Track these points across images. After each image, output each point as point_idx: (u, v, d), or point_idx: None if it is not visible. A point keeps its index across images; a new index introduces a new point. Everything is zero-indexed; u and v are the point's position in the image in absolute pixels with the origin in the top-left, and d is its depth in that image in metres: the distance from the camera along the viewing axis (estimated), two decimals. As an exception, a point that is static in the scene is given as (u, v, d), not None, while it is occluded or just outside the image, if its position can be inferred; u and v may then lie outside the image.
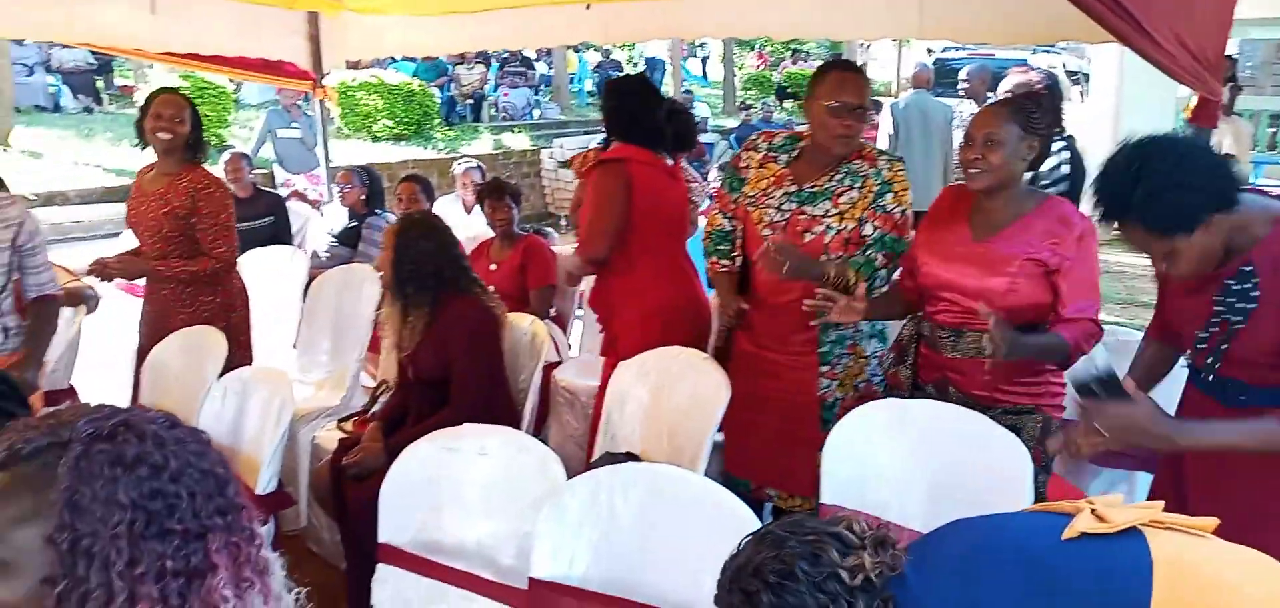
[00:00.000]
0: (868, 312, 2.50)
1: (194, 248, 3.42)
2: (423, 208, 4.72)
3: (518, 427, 2.92)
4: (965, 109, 7.36)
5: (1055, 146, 3.51)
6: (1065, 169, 3.51)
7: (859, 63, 26.33)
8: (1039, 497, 2.41)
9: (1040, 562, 1.34)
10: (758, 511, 3.29)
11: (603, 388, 3.11)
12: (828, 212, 2.65)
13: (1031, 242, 2.32)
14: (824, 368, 2.73)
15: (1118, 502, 1.39)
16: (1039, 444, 2.38)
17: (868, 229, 2.64)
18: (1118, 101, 8.80)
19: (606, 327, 3.31)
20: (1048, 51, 13.77)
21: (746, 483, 2.89)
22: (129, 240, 3.67)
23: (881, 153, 2.73)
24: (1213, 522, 1.35)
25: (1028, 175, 2.42)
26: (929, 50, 14.47)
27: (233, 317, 3.58)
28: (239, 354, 3.61)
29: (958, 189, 2.54)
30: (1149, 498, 2.25)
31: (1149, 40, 2.20)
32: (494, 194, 4.43)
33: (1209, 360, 1.99)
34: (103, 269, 3.46)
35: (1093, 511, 1.35)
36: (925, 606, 1.33)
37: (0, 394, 1.56)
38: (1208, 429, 1.92)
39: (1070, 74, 12.79)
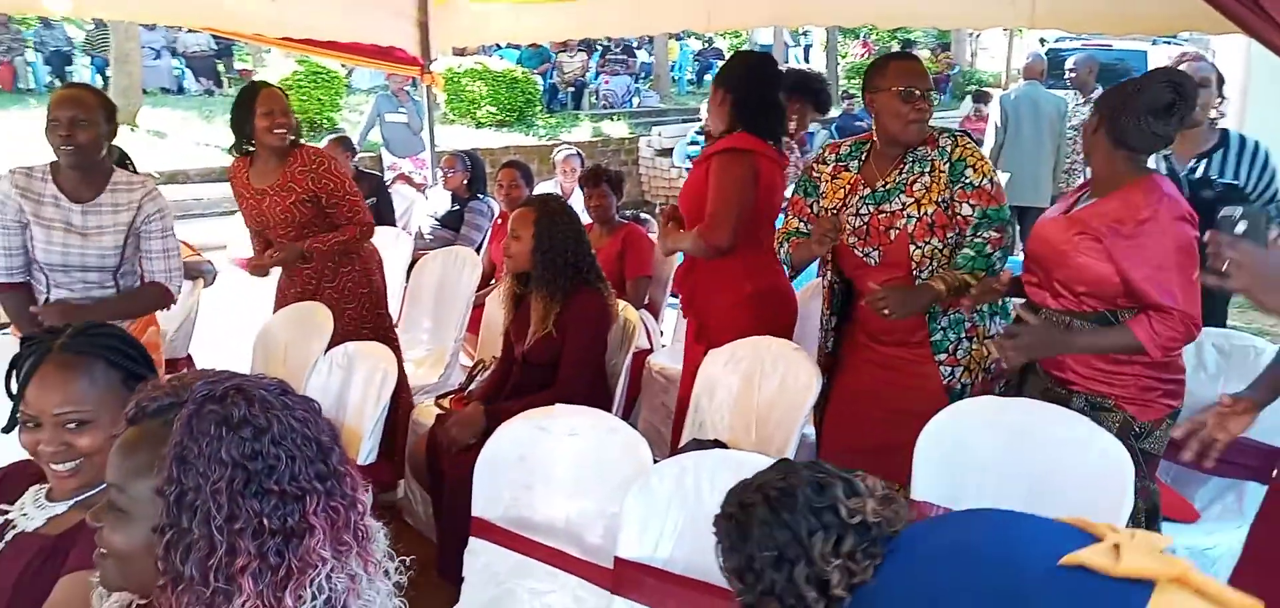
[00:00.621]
0: (1010, 289, 2.56)
1: (328, 225, 3.51)
2: (524, 193, 4.80)
3: (609, 410, 2.96)
4: (1072, 99, 7.16)
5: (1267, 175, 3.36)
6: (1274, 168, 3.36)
7: (967, 53, 25.33)
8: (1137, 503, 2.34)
9: (1020, 580, 1.28)
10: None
11: (687, 375, 3.13)
12: (905, 204, 2.64)
13: (1096, 214, 2.30)
14: (940, 356, 2.69)
15: (1154, 547, 1.29)
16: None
17: (966, 210, 2.60)
18: (1243, 96, 8.33)
19: (696, 311, 3.24)
20: (1168, 43, 13.14)
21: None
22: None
23: (942, 131, 2.70)
24: (1256, 605, 1.23)
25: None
26: (1042, 40, 14.00)
27: (373, 282, 3.72)
28: (386, 323, 3.78)
29: None
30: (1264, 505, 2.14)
31: (1278, 30, 2.09)
32: (591, 181, 4.48)
33: None
34: (262, 270, 3.53)
35: (1116, 545, 1.28)
36: (904, 574, 1.34)
37: (131, 359, 1.65)
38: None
39: (1195, 68, 12.15)
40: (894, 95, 2.59)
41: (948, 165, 2.62)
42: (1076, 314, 2.38)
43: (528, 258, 3.07)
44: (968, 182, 2.60)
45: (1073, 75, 7.08)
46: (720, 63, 4.05)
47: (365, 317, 3.61)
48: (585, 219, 4.53)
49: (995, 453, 2.21)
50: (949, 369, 2.69)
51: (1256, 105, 8.08)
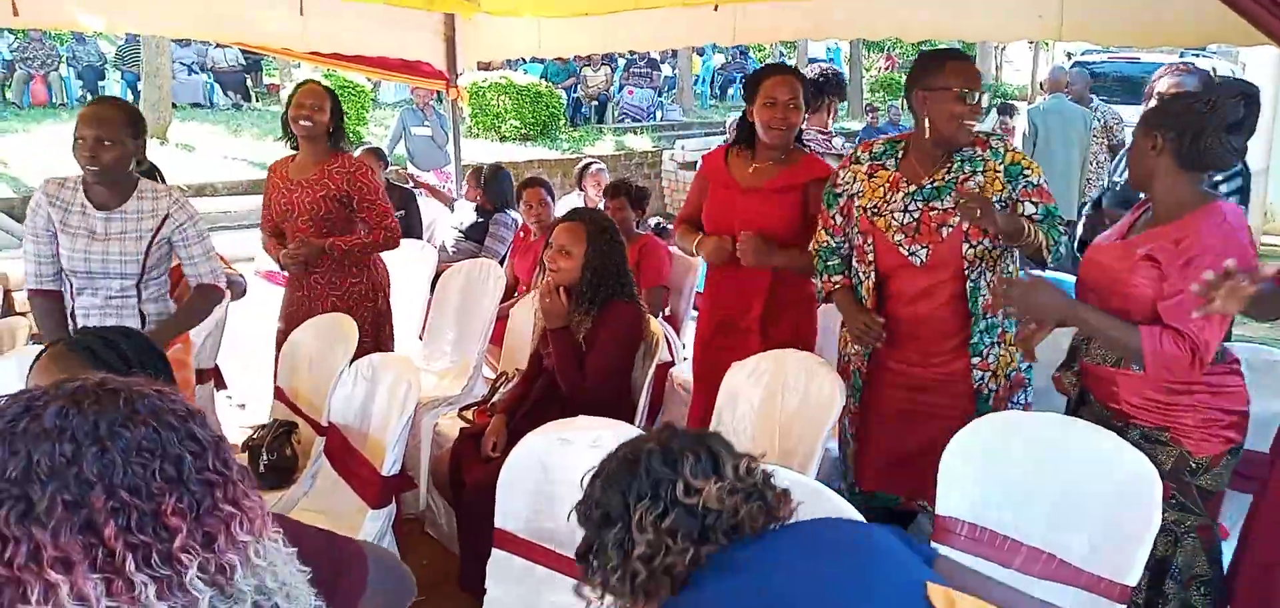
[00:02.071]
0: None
1: (347, 229, 3.60)
2: (552, 211, 4.81)
3: (633, 422, 2.96)
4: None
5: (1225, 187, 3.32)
6: (1238, 181, 3.34)
7: (992, 66, 25.27)
8: (1176, 536, 2.30)
9: None
10: (907, 523, 3.22)
11: (711, 388, 3.12)
12: (959, 201, 2.58)
13: (1159, 239, 2.23)
14: (975, 360, 2.67)
15: None
16: (1171, 479, 2.24)
17: (1029, 209, 2.60)
18: (1274, 107, 8.26)
19: (780, 325, 3.13)
20: (1197, 55, 13.03)
21: (894, 498, 2.85)
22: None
23: (990, 135, 2.71)
24: None
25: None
26: (1068, 53, 13.92)
27: (380, 299, 3.76)
28: (387, 337, 3.79)
29: None
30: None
31: (1309, 42, 2.07)
32: (611, 193, 4.51)
33: None
34: (294, 259, 3.59)
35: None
36: (724, 582, 1.25)
37: (126, 363, 1.66)
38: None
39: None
40: (952, 96, 2.55)
41: (1002, 169, 2.62)
42: None
43: (577, 273, 3.04)
44: (1029, 181, 2.62)
45: (1069, 89, 7.18)
46: (743, 76, 4.13)
47: (370, 332, 3.63)
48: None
49: (1021, 468, 2.19)
50: (980, 374, 2.68)
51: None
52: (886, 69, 23.77)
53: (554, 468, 2.29)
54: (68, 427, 0.96)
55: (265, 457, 3.03)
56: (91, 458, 0.95)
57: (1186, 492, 2.28)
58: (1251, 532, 2.31)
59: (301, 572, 1.10)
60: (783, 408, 2.75)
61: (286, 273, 3.84)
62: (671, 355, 3.96)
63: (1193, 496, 2.29)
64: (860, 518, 1.90)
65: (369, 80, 13.15)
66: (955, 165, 2.64)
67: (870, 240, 2.75)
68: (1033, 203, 2.60)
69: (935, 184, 2.64)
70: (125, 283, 2.93)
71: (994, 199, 2.58)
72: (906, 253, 2.67)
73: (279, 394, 3.38)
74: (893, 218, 2.68)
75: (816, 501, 1.99)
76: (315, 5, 4.87)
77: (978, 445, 2.24)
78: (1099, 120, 6.95)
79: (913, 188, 2.66)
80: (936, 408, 2.69)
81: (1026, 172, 2.62)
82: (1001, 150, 2.64)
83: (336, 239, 3.57)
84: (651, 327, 3.32)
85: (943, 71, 2.57)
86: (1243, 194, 3.33)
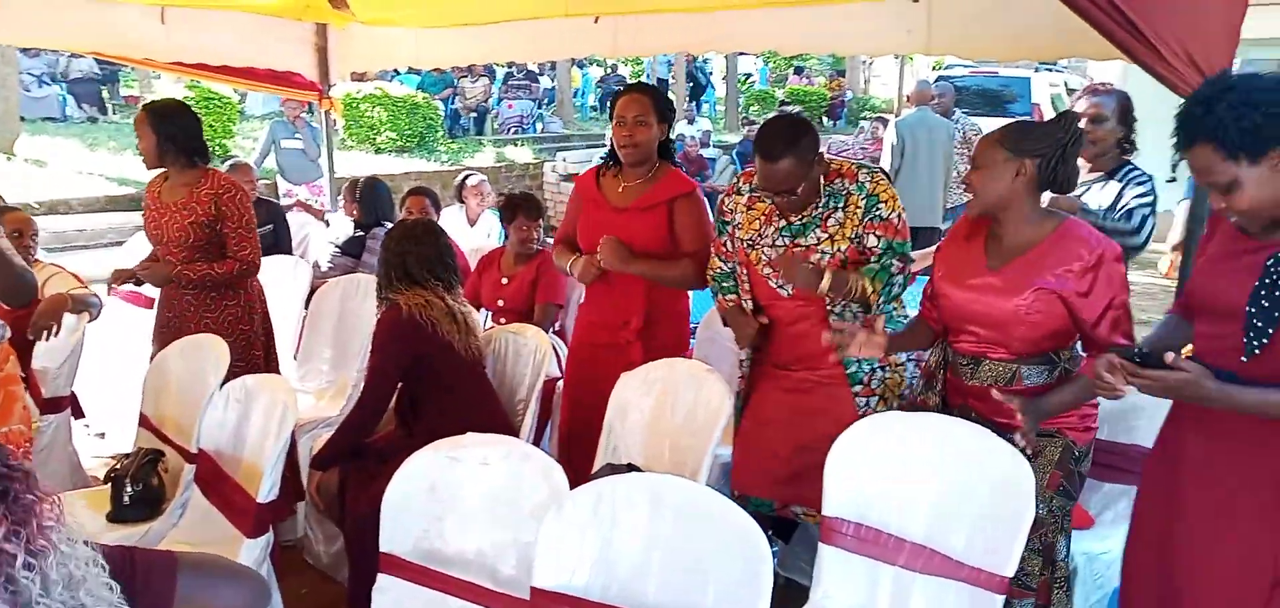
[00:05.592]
0: (891, 345, 2.48)
1: (220, 253, 3.41)
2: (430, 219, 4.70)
3: (518, 436, 2.92)
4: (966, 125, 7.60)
5: (1138, 190, 3.26)
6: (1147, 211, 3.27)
7: (861, 80, 25.87)
8: (1060, 520, 2.40)
9: None
10: (781, 529, 3.23)
11: (584, 400, 3.17)
12: (820, 239, 2.67)
13: (1043, 271, 2.26)
14: (856, 387, 2.73)
15: None
16: (1059, 468, 2.36)
17: (872, 241, 2.65)
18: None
19: (650, 337, 3.12)
20: (1049, 69, 13.77)
21: (769, 503, 2.85)
22: (134, 248, 3.65)
23: (861, 166, 2.74)
24: None
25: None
26: (932, 66, 14.55)
27: (254, 321, 3.57)
28: (265, 358, 3.63)
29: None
30: (1139, 494, 2.20)
31: (1155, 54, 2.20)
32: (526, 212, 4.35)
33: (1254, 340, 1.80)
34: (128, 278, 3.51)
35: None
36: None
37: None
38: (1240, 390, 1.79)
39: (1071, 92, 12.86)
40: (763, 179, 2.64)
41: (864, 199, 2.65)
42: (1021, 360, 2.36)
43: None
44: (878, 214, 2.64)
45: (936, 101, 7.56)
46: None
47: (242, 354, 3.42)
48: (490, 245, 4.49)
49: (903, 467, 2.26)
50: (863, 400, 2.73)
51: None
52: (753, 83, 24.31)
53: (442, 487, 2.24)
54: None
55: (130, 489, 2.85)
56: None
57: (1071, 479, 2.40)
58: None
59: (100, 567, 1.16)
60: (673, 417, 2.76)
61: (148, 293, 3.64)
62: (560, 369, 3.93)
63: (1075, 481, 2.42)
64: (754, 525, 1.92)
65: (236, 91, 12.65)
66: (823, 201, 2.69)
67: (745, 272, 2.84)
68: (877, 235, 2.65)
69: (802, 220, 2.71)
70: None
71: (848, 236, 2.65)
72: (775, 286, 2.76)
73: (144, 421, 3.19)
74: (763, 252, 2.75)
75: (707, 510, 2.00)
76: (178, 14, 4.65)
77: (861, 447, 2.29)
78: (960, 132, 7.31)
79: (783, 223, 2.73)
80: (815, 419, 2.70)
81: (881, 204, 2.65)
82: (867, 182, 2.67)
83: (186, 268, 3.39)
84: (539, 339, 3.30)
85: (757, 149, 2.63)
86: (1152, 208, 3.29)
